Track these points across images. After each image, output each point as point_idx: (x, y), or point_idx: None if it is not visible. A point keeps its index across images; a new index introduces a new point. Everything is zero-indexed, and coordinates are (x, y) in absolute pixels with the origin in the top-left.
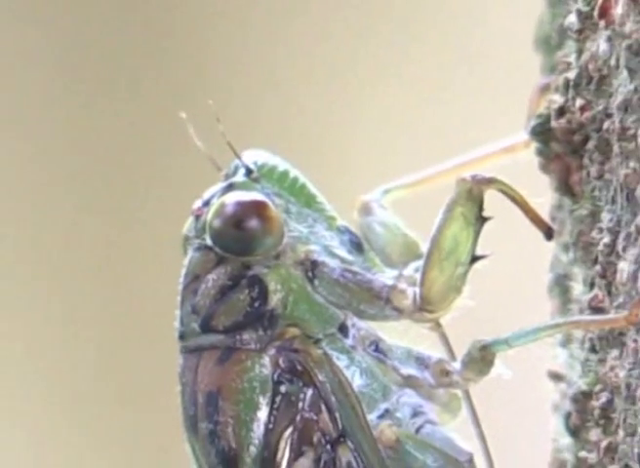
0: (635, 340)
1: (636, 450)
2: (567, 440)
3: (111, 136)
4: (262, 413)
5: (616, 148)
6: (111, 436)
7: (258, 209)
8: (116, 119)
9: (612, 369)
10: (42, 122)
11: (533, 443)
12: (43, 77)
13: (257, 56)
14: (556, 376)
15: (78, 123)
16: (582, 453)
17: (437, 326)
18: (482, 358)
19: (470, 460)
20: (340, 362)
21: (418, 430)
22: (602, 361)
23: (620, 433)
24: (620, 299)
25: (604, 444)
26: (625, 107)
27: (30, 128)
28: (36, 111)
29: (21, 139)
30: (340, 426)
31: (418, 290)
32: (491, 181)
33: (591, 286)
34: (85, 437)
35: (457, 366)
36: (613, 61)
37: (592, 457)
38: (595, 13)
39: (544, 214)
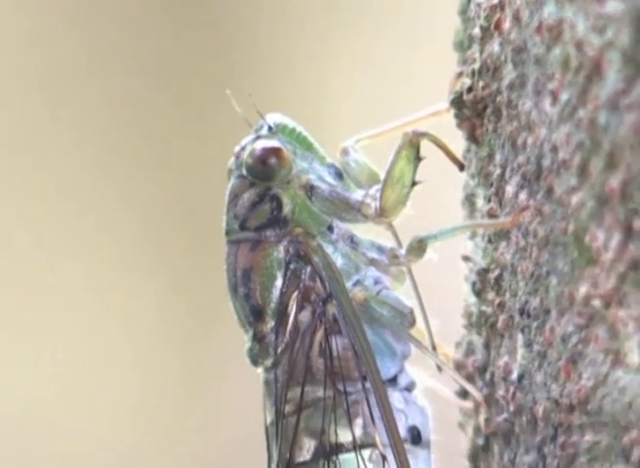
0: (517, 236)
1: (517, 306)
2: (473, 299)
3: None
4: (278, 282)
5: (504, 113)
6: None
7: (276, 151)
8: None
9: (502, 254)
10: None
11: (451, 301)
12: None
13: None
14: (466, 258)
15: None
16: (483, 307)
17: (390, 226)
18: (419, 247)
19: (411, 312)
20: (328, 249)
21: (378, 293)
22: (496, 248)
23: (507, 294)
24: (507, 210)
25: (497, 301)
26: (511, 87)
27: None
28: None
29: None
30: (328, 290)
31: (378, 203)
32: (424, 134)
33: (488, 201)
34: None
35: (403, 251)
36: (502, 58)
37: (489, 310)
38: (492, 27)
39: (459, 154)
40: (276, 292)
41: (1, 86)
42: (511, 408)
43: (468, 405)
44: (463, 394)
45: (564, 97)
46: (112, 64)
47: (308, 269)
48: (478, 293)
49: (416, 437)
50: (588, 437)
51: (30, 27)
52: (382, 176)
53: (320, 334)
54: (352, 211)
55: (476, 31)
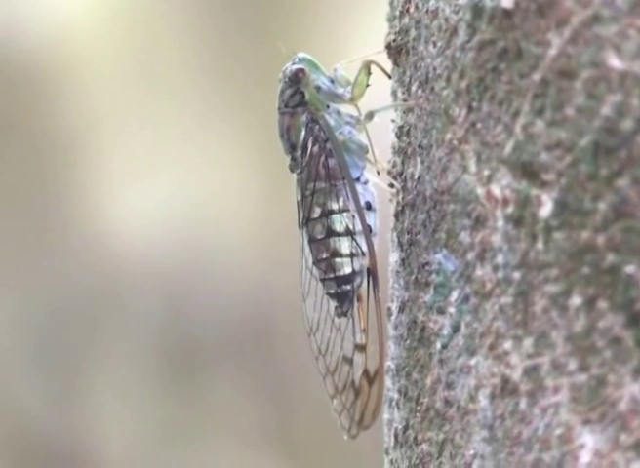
0: (416, 110)
1: (417, 143)
2: (395, 140)
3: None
4: (302, 132)
5: (410, 52)
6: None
7: (302, 70)
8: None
9: (409, 118)
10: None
11: (385, 141)
12: None
13: None
14: (393, 120)
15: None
16: (400, 144)
17: (356, 106)
18: (370, 115)
19: (366, 145)
20: (326, 116)
21: (350, 138)
22: (406, 116)
23: (412, 138)
24: (412, 98)
25: (407, 141)
26: (414, 39)
27: None
28: None
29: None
30: (326, 136)
31: (350, 95)
32: (372, 62)
33: (402, 93)
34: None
35: (362, 117)
36: (410, 25)
37: (403, 145)
38: (404, 11)
39: (389, 71)
40: (301, 138)
41: None
42: (414, 192)
43: (394, 191)
44: (391, 186)
45: (439, 43)
46: None
47: (317, 126)
48: (398, 137)
49: (369, 206)
50: (451, 206)
51: None
52: (353, 82)
53: (322, 158)
54: (338, 98)
55: (397, 13)
